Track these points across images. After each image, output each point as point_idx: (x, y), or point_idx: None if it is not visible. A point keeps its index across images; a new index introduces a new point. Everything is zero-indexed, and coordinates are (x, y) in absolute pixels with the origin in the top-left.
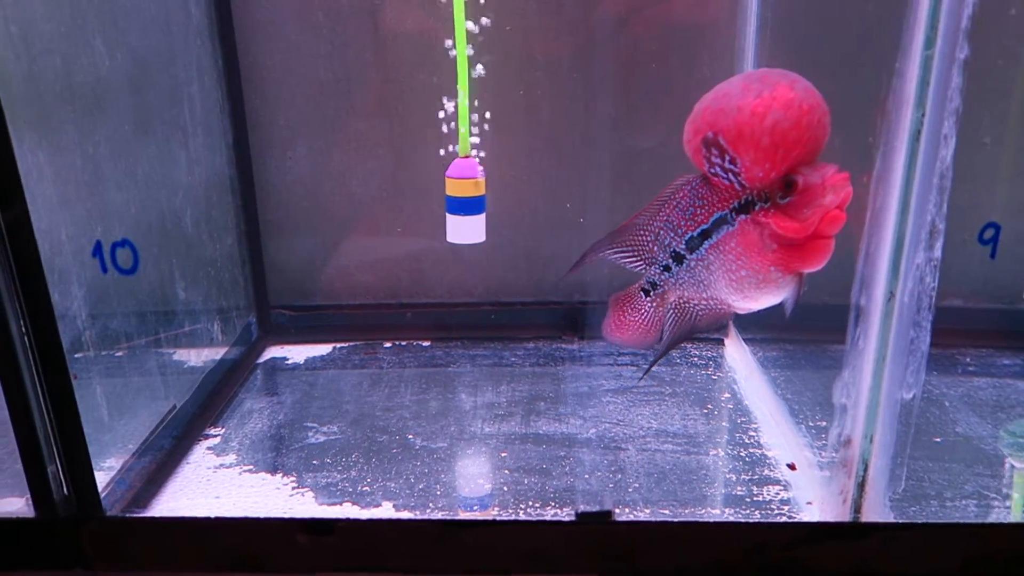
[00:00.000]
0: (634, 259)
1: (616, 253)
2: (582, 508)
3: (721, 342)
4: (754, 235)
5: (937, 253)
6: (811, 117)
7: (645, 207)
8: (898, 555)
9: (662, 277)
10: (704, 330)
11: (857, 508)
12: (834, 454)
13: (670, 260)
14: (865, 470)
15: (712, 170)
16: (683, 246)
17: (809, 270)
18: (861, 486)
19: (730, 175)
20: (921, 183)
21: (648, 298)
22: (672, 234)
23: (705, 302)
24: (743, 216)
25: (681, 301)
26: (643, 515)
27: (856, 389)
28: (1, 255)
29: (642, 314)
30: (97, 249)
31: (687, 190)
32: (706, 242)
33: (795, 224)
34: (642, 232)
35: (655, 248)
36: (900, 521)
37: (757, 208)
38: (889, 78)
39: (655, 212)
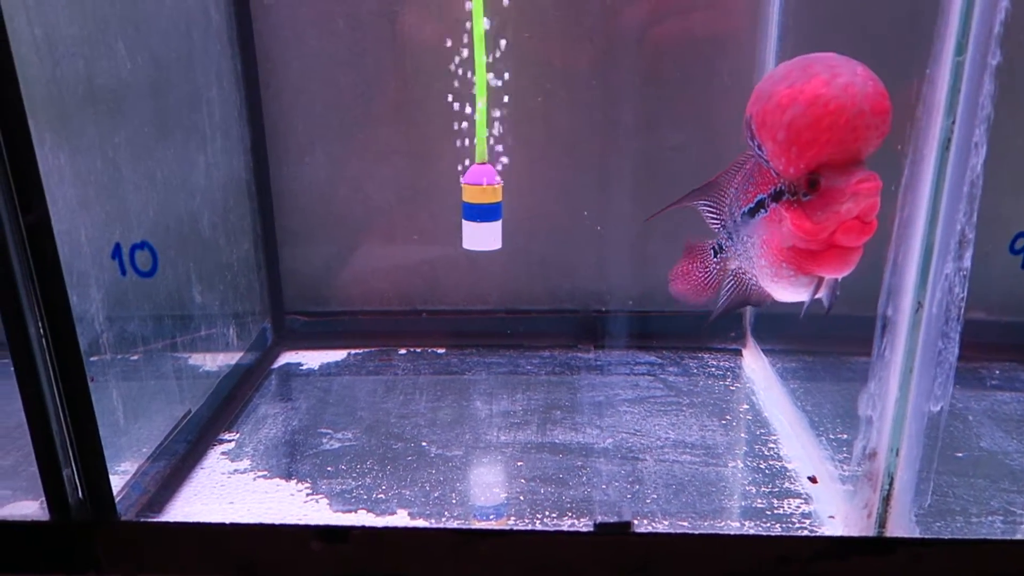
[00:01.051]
0: (713, 217)
1: (702, 205)
2: (600, 519)
3: (739, 352)
4: (777, 226)
5: (967, 263)
6: (836, 118)
7: (730, 164)
8: (924, 572)
9: (727, 243)
10: (756, 304)
11: (882, 523)
12: (858, 467)
13: (732, 229)
14: (890, 484)
15: (750, 151)
16: (739, 218)
17: (824, 275)
18: (886, 500)
19: (763, 160)
20: (951, 192)
21: (715, 259)
22: (736, 204)
23: (754, 278)
24: (774, 204)
25: (739, 271)
26: (661, 527)
27: (882, 401)
28: (21, 257)
29: (706, 272)
30: (116, 251)
31: (751, 164)
32: (751, 220)
33: (809, 224)
34: (722, 193)
35: (727, 212)
36: (926, 537)
37: (785, 199)
38: (919, 85)
39: (732, 175)
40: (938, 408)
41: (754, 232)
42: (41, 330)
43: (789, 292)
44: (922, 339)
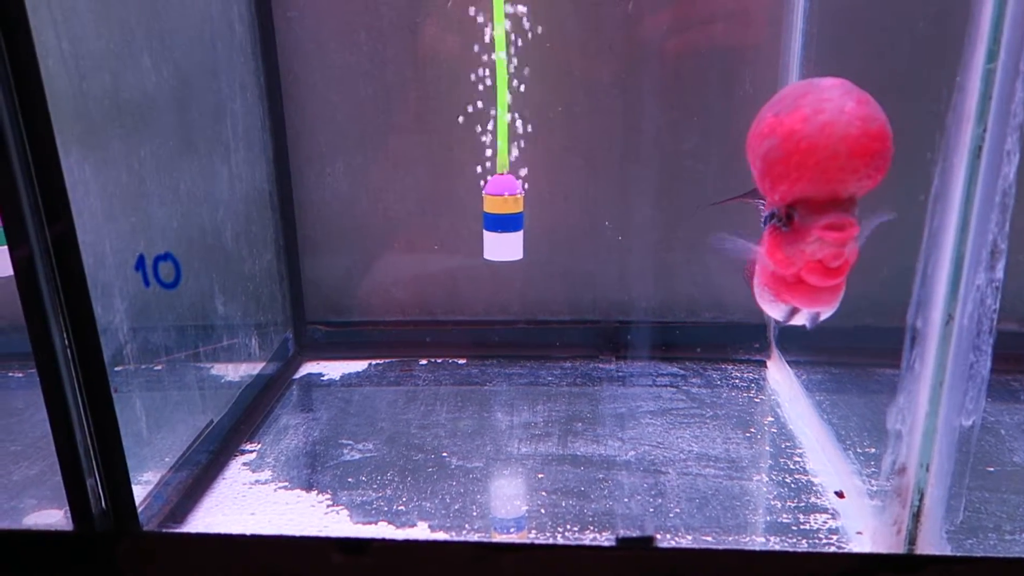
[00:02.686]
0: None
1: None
2: (622, 533)
3: (763, 363)
4: (763, 246)
5: (999, 274)
6: (806, 158)
7: None
8: None
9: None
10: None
11: (912, 539)
12: (887, 482)
13: None
14: (920, 500)
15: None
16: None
17: (797, 306)
18: (916, 516)
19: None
20: (982, 201)
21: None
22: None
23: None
24: (764, 225)
25: None
26: (685, 542)
27: (912, 415)
28: (47, 268)
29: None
30: (140, 263)
31: None
32: (763, 229)
33: (780, 255)
34: None
35: None
36: (958, 554)
37: (772, 223)
38: (949, 92)
39: None
40: (970, 422)
41: (760, 242)
42: (66, 340)
43: (769, 309)
44: (953, 352)
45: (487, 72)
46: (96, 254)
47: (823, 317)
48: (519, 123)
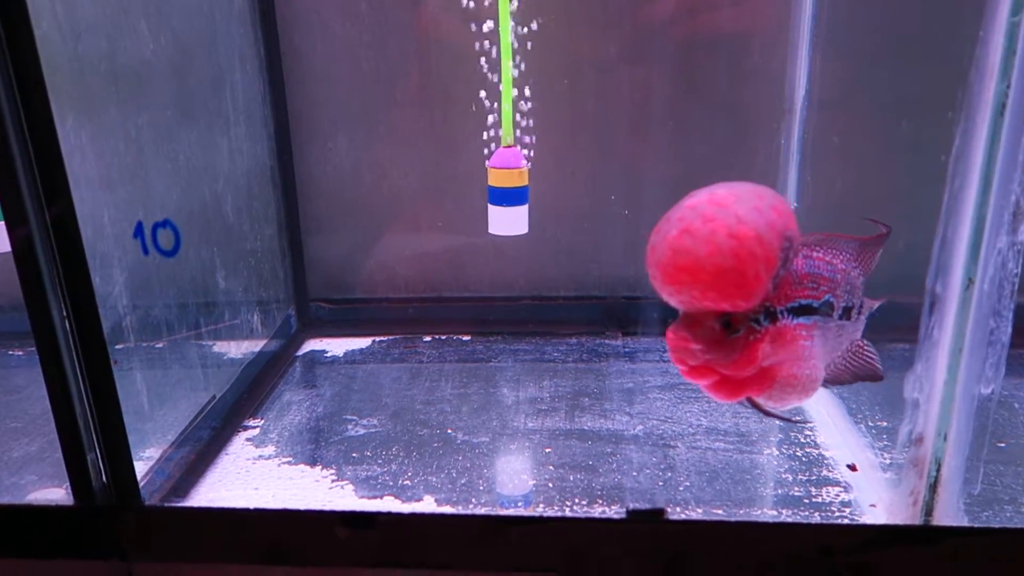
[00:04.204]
0: None
1: None
2: (633, 506)
3: None
4: None
5: (1021, 237)
6: (649, 270)
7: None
8: (973, 562)
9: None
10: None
11: (928, 511)
12: (903, 452)
13: None
14: (938, 470)
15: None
16: None
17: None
18: (933, 487)
19: None
20: (1005, 161)
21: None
22: None
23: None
24: None
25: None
26: (695, 515)
27: (929, 383)
28: (44, 238)
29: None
30: (138, 230)
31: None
32: None
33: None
34: None
35: None
36: (976, 526)
37: None
38: (971, 47)
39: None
40: (989, 390)
41: None
42: (64, 312)
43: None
44: (973, 317)
45: (491, 44)
46: (94, 224)
47: (776, 407)
48: (524, 96)
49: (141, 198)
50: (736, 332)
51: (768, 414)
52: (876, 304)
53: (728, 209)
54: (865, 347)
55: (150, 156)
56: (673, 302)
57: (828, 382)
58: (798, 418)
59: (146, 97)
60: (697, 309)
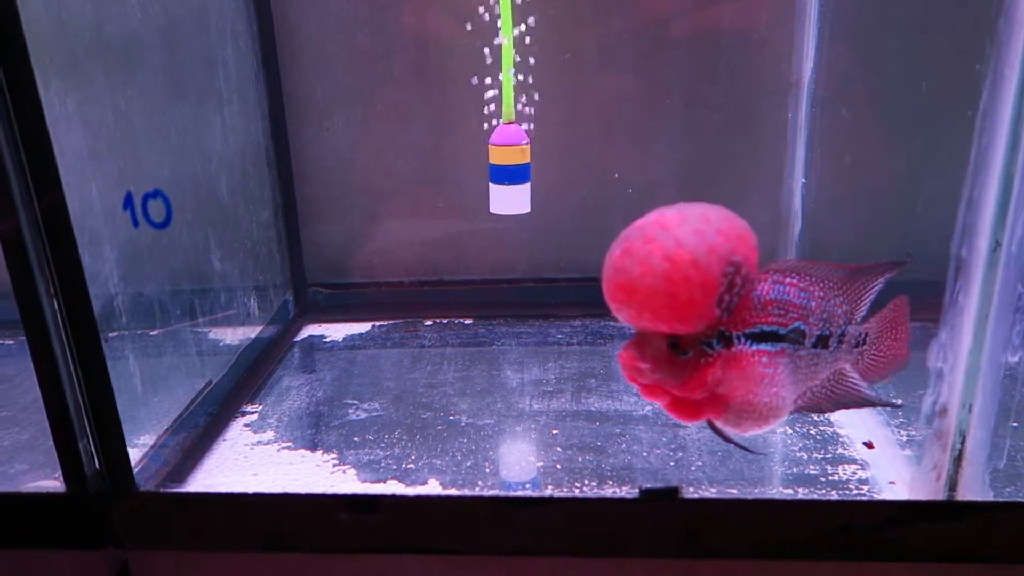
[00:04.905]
0: None
1: None
2: (646, 485)
3: None
4: None
5: None
6: (614, 296)
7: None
8: (1000, 538)
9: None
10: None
11: (952, 486)
12: (926, 426)
13: None
14: (962, 443)
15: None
16: None
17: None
18: (957, 461)
19: None
20: None
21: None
22: None
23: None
24: None
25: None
26: (709, 494)
27: (954, 352)
28: (27, 208)
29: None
30: (128, 201)
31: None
32: None
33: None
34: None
35: None
36: (1002, 500)
37: None
38: None
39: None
40: (1016, 358)
41: None
42: (51, 289)
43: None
44: (1000, 282)
45: (491, 18)
46: (82, 197)
47: (736, 433)
48: (524, 71)
49: (131, 172)
50: (685, 354)
51: (727, 439)
52: (863, 332)
53: (669, 231)
54: (849, 376)
55: (140, 130)
56: (620, 319)
57: (806, 410)
58: (760, 452)
59: (134, 69)
60: (645, 328)
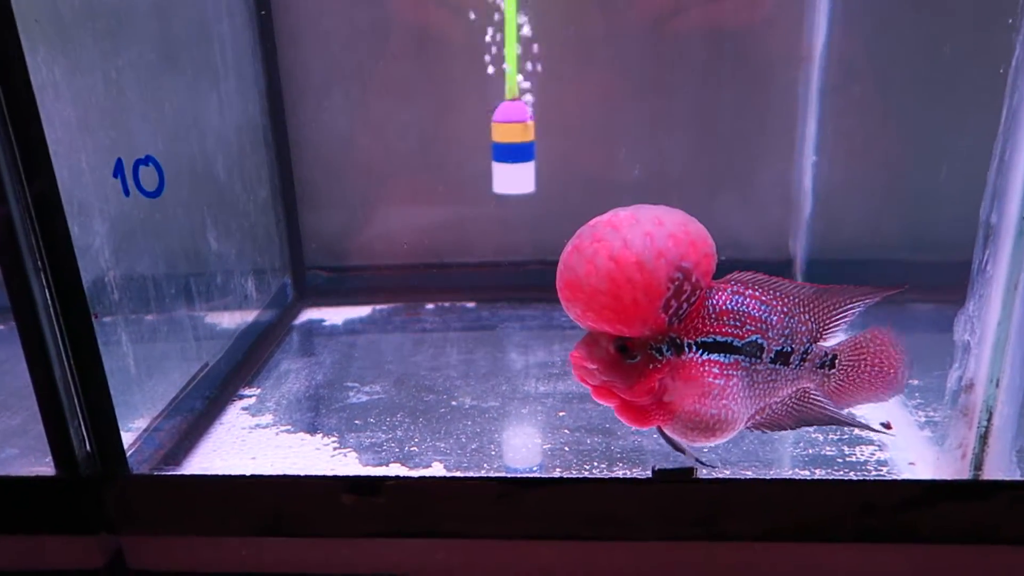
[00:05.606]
0: None
1: None
2: (659, 466)
3: None
4: None
5: None
6: (561, 293)
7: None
8: None
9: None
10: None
11: (978, 464)
12: (952, 401)
13: None
14: (989, 419)
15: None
16: None
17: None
18: (983, 438)
19: None
20: None
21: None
22: None
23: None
24: None
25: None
26: (723, 476)
27: (981, 323)
28: (13, 177)
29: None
30: (118, 168)
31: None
32: None
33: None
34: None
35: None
36: None
37: None
38: None
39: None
40: None
41: None
42: (39, 263)
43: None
44: None
45: None
46: (71, 168)
47: (686, 443)
48: (528, 46)
49: (124, 144)
50: (633, 358)
51: (678, 449)
52: (831, 354)
53: (619, 231)
54: (811, 395)
55: (133, 100)
56: (571, 317)
57: (764, 427)
58: (707, 468)
59: (126, 36)
60: (592, 328)
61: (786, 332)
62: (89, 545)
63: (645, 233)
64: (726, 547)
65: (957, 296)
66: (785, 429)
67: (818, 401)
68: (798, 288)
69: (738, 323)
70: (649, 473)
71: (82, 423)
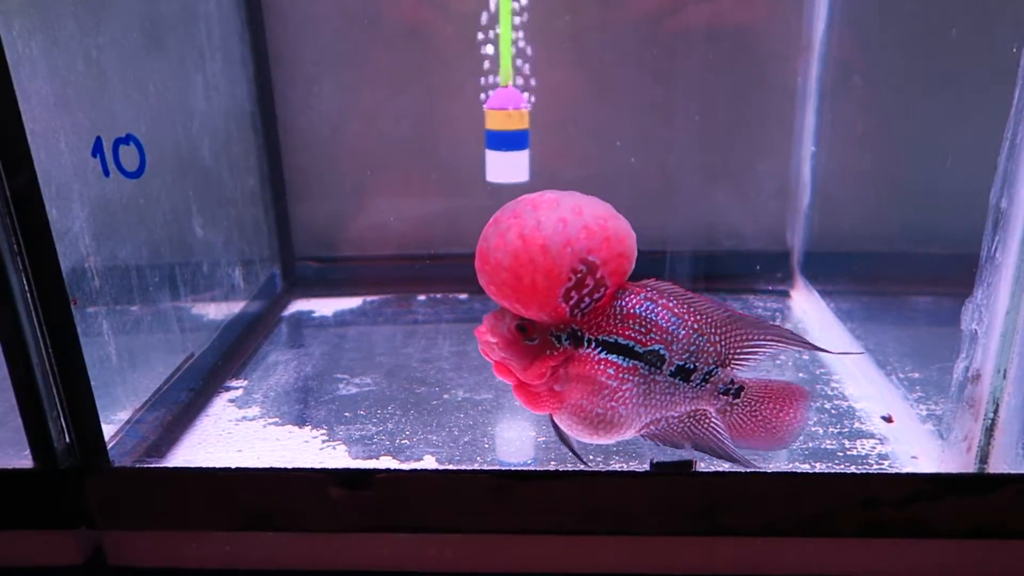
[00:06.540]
0: None
1: None
2: (657, 458)
3: (787, 294)
4: None
5: None
6: (475, 262)
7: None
8: None
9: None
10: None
11: (984, 457)
12: (957, 393)
13: None
14: (995, 411)
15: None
16: None
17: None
18: (990, 431)
19: None
20: None
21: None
22: None
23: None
24: None
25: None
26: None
27: (989, 312)
28: None
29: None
30: (97, 146)
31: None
32: None
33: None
34: None
35: None
36: None
37: None
38: None
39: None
40: None
41: None
42: (15, 247)
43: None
44: None
45: None
46: (48, 148)
47: (574, 437)
48: (522, 33)
49: (105, 124)
50: (532, 340)
51: (565, 443)
52: (737, 384)
53: (536, 212)
54: (712, 420)
55: (114, 80)
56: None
57: (658, 439)
58: (587, 464)
59: (107, 13)
60: (496, 302)
61: (691, 349)
62: (68, 540)
63: (560, 219)
64: (726, 542)
65: (957, 288)
66: (679, 447)
67: (715, 428)
68: (714, 308)
69: (643, 329)
70: (647, 466)
71: (61, 414)
